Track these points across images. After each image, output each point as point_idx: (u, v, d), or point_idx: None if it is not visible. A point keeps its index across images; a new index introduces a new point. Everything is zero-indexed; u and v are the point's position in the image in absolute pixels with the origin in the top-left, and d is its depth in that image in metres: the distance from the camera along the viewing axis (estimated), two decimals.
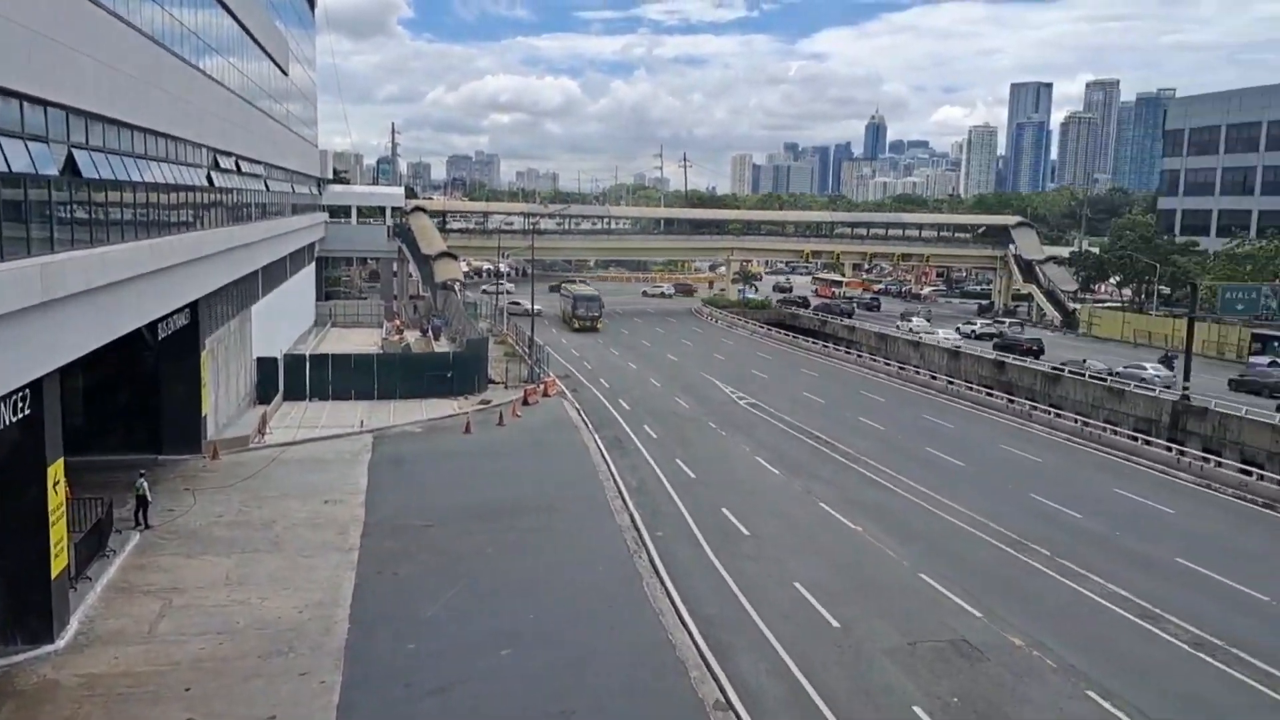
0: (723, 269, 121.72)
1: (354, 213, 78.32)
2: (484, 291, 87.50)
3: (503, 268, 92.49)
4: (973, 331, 72.08)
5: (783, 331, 74.79)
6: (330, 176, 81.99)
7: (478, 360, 47.35)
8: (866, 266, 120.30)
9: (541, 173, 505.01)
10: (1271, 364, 56.13)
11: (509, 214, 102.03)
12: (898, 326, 72.86)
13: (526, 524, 26.87)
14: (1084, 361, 53.51)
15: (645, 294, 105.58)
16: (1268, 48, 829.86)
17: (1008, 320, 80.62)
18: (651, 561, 24.04)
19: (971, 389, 50.86)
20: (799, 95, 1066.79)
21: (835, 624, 20.44)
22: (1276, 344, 57.57)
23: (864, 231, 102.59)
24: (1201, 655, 19.59)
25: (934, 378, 54.66)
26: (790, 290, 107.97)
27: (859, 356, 63.31)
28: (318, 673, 17.59)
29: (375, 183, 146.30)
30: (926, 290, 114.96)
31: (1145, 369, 51.18)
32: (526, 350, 54.74)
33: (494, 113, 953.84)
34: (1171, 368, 51.54)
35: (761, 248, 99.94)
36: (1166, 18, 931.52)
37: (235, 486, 29.40)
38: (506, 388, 47.39)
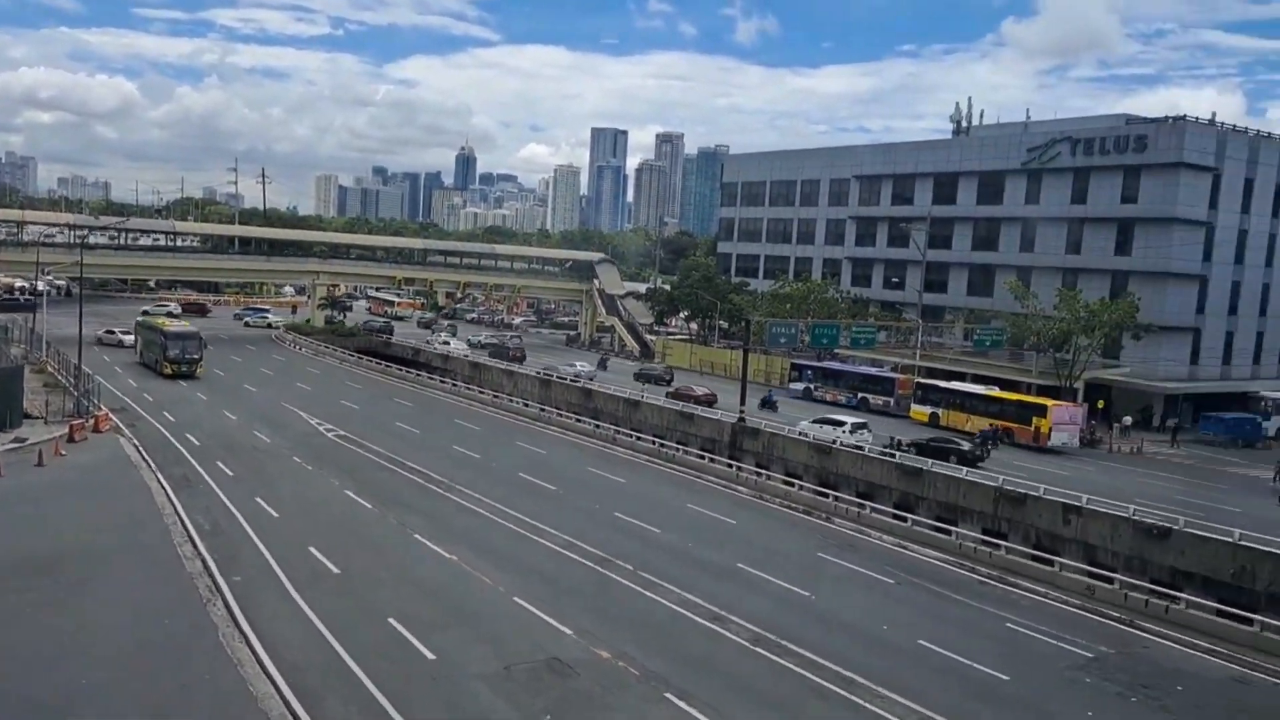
0: (290, 290, 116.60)
1: None
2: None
3: (40, 286, 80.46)
4: (479, 342, 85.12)
5: (374, 360, 72.92)
6: None
7: (9, 392, 40.64)
8: (460, 295, 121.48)
9: (91, 180, 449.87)
10: (805, 390, 65.04)
11: (51, 225, 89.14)
12: (428, 341, 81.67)
13: (75, 578, 23.37)
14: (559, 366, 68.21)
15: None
16: (798, 115, 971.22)
17: (508, 333, 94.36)
18: (229, 609, 22.02)
19: (562, 415, 53.08)
20: (388, 119, 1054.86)
21: (430, 655, 20.08)
22: (809, 372, 66.85)
23: (457, 260, 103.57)
24: (759, 650, 21.87)
25: (526, 405, 56.32)
26: (350, 309, 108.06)
27: (454, 385, 63.47)
28: None
29: None
30: (518, 320, 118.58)
31: (575, 366, 68.82)
32: (72, 380, 48.04)
33: (30, 109, 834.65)
34: (605, 368, 73.31)
35: (351, 272, 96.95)
36: (721, 82, 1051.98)
37: None
38: (48, 423, 41.17)
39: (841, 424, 48.49)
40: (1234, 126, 68.99)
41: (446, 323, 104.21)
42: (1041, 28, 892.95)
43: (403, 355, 76.51)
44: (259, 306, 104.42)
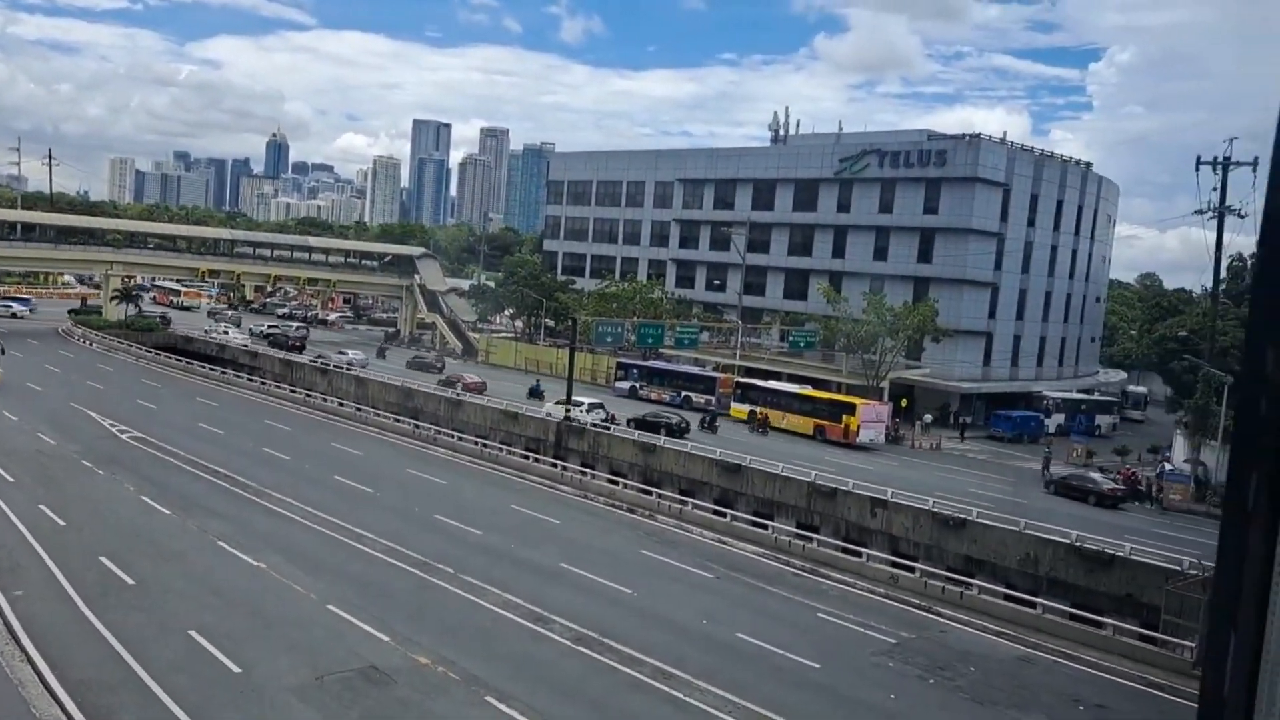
0: (71, 279, 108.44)
1: None
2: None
3: None
4: (262, 332, 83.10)
5: (177, 357, 68.57)
6: None
7: None
8: (270, 290, 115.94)
9: None
10: (631, 389, 65.77)
11: None
12: (205, 331, 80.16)
13: None
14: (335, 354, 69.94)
15: None
16: (623, 116, 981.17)
17: (294, 324, 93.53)
18: (8, 626, 20.12)
19: (380, 415, 51.53)
20: (191, 101, 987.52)
21: (236, 669, 19.02)
22: (635, 371, 67.63)
23: (268, 252, 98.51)
24: (581, 649, 21.90)
25: (342, 404, 54.36)
26: (139, 299, 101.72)
27: (263, 384, 60.50)
28: None
29: None
30: (333, 316, 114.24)
31: (347, 354, 69.89)
32: None
33: None
34: (383, 357, 75.98)
35: (149, 263, 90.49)
36: (547, 79, 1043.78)
37: None
38: None
39: (580, 404, 52.02)
40: (1022, 146, 74.75)
41: (230, 313, 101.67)
42: (851, 45, 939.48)
43: (207, 352, 72.34)
44: (16, 296, 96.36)
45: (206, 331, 79.90)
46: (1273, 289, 1.14)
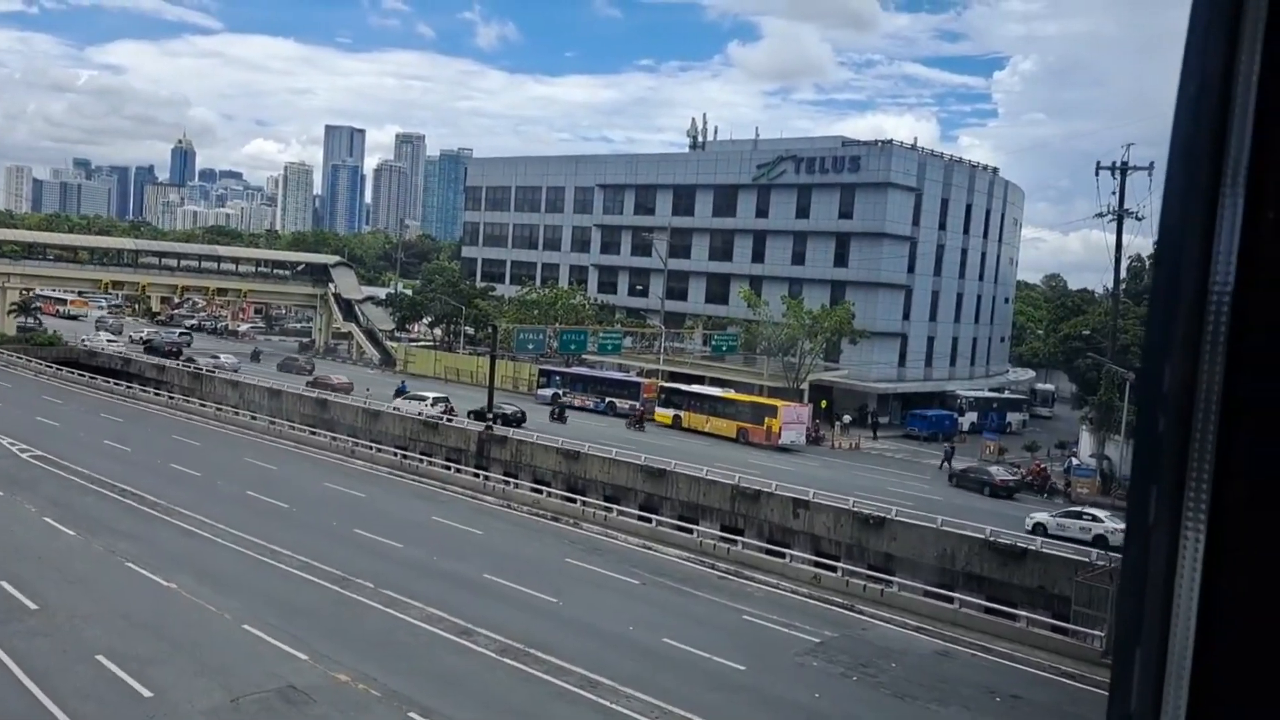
0: None
1: None
2: None
3: None
4: (142, 339, 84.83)
5: (78, 371, 66.01)
6: None
7: None
8: (178, 301, 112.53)
9: None
10: (554, 396, 65.46)
11: None
12: (84, 339, 79.77)
13: None
14: (214, 358, 72.59)
15: None
16: (541, 122, 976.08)
17: (178, 330, 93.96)
18: None
19: (295, 428, 50.36)
20: (92, 108, 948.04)
21: (147, 693, 18.33)
22: (558, 378, 67.32)
23: (174, 263, 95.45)
24: (507, 660, 21.66)
25: (255, 418, 52.99)
26: (38, 312, 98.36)
27: (171, 398, 58.63)
28: None
29: None
30: (244, 328, 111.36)
31: (220, 358, 72.01)
32: None
33: None
34: (257, 360, 77.73)
35: (49, 275, 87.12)
36: (462, 84, 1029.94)
37: None
38: None
39: (425, 398, 54.36)
40: (932, 151, 76.71)
41: (112, 320, 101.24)
42: (765, 52, 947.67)
43: (112, 366, 69.81)
44: None
45: (84, 340, 79.49)
46: (1168, 306, 1.15)
